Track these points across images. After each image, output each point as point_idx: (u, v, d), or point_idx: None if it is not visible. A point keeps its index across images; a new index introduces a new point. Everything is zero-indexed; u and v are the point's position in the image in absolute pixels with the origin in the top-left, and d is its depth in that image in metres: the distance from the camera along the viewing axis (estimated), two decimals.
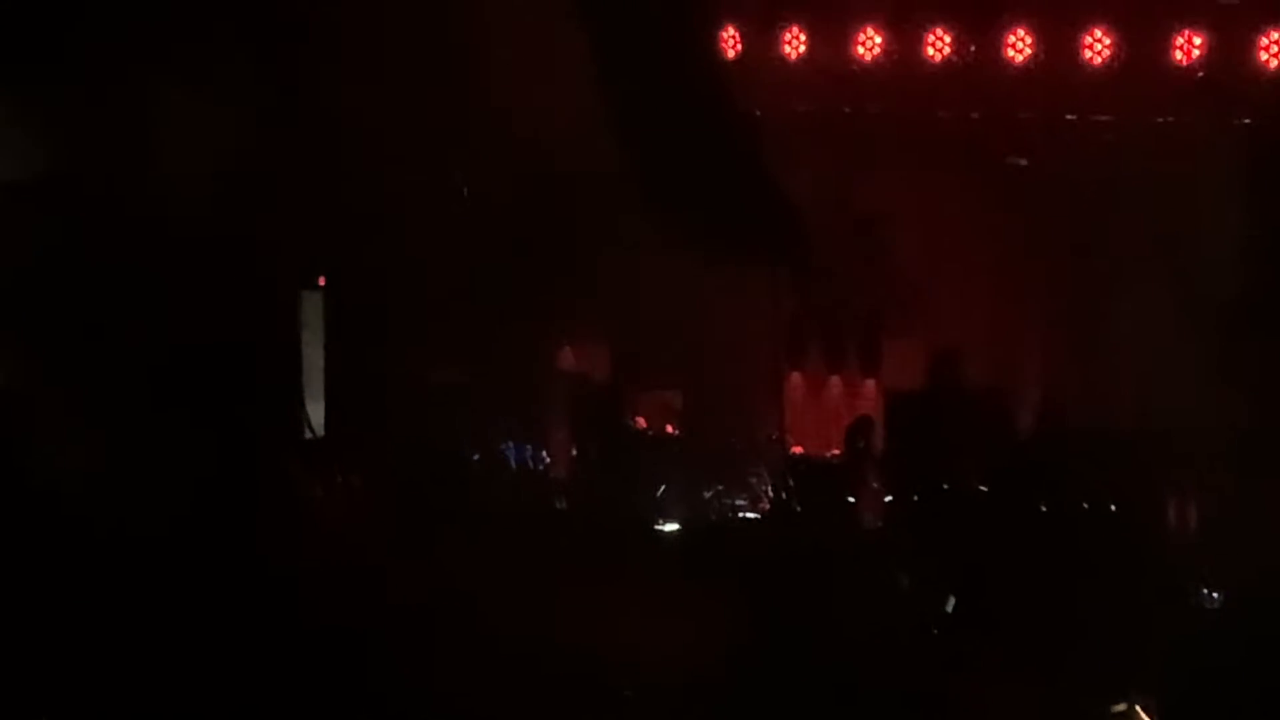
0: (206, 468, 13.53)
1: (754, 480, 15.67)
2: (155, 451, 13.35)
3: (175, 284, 13.71)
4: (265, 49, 14.12)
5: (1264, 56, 14.61)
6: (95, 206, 13.65)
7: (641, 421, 16.47)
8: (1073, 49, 15.19)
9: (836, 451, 15.70)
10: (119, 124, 13.74)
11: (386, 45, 14.53)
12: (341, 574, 12.96)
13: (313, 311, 15.87)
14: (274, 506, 13.71)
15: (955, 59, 15.56)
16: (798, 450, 16.36)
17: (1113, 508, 14.21)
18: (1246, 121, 15.00)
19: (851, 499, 14.89)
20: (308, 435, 15.74)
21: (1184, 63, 14.92)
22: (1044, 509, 14.23)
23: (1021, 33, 15.26)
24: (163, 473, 13.19)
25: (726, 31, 16.02)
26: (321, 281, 15.96)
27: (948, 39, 15.54)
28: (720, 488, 15.66)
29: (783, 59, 16.06)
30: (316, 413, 15.85)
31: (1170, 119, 15.22)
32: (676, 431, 16.45)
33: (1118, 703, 11.24)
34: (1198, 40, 14.81)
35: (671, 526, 15.23)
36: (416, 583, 13.03)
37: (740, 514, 15.48)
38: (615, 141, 14.57)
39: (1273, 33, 14.54)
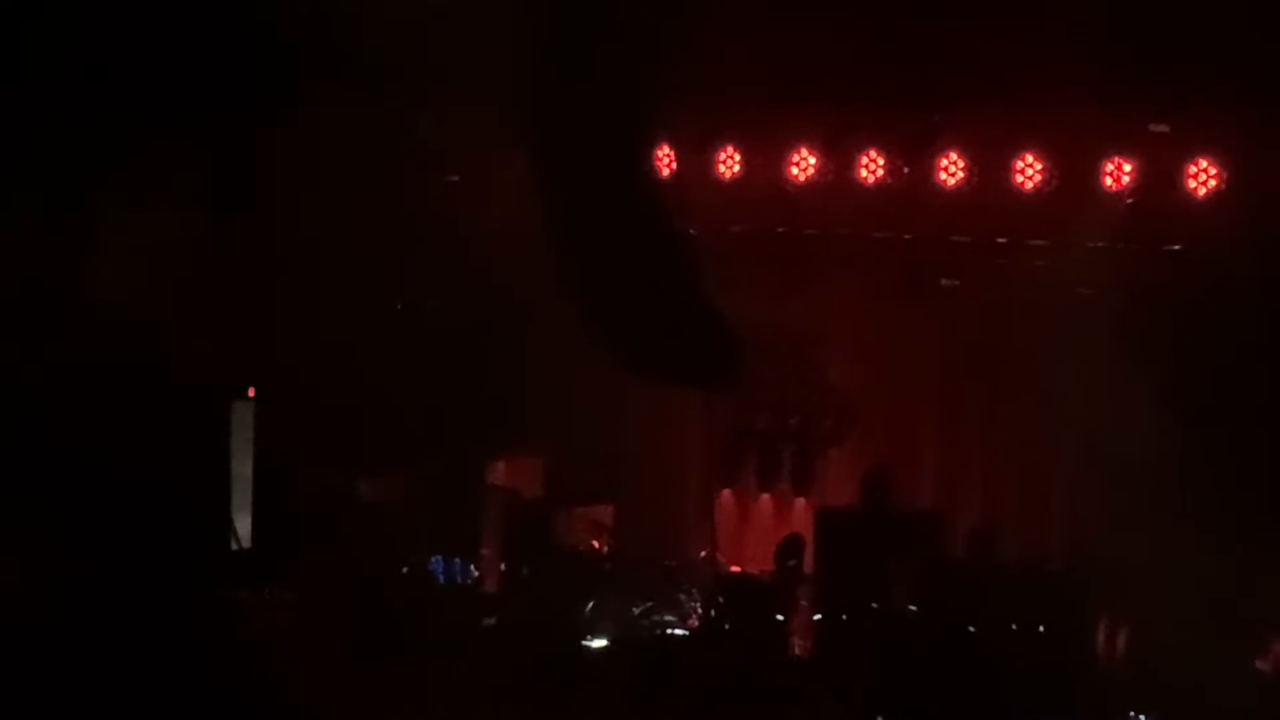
0: (133, 578, 13.42)
1: (684, 598, 15.60)
2: (81, 562, 13.23)
3: (103, 393, 13.63)
4: (199, 165, 14.14)
5: (1193, 184, 14.76)
6: (23, 316, 13.58)
7: (571, 537, 16.41)
8: (1004, 174, 15.31)
9: (767, 569, 15.68)
10: (50, 238, 13.70)
11: (321, 161, 14.56)
12: (267, 687, 12.84)
13: (242, 422, 15.79)
14: (200, 619, 13.59)
15: (889, 181, 15.66)
16: (728, 568, 16.32)
17: (1041, 629, 14.23)
18: (1176, 248, 15.16)
19: (781, 617, 14.87)
20: (234, 547, 15.62)
21: (1114, 189, 15.05)
22: (973, 630, 14.24)
23: (954, 157, 15.37)
24: (88, 584, 13.07)
25: (661, 150, 16.11)
26: (251, 393, 15.90)
27: (881, 162, 15.65)
28: (650, 604, 15.57)
29: (717, 179, 16.15)
30: (244, 525, 15.74)
31: (1101, 244, 15.35)
32: (606, 548, 16.39)
33: None
34: (1128, 167, 14.95)
35: (600, 643, 15.15)
36: (342, 697, 12.93)
37: (670, 631, 15.40)
38: (549, 258, 14.60)
39: (1201, 161, 14.70)
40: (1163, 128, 14.93)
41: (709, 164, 16.17)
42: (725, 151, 16.11)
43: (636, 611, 15.56)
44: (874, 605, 14.58)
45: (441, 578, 16.04)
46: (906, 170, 15.63)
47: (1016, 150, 15.26)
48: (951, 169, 15.45)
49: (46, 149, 13.46)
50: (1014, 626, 14.27)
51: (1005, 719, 12.94)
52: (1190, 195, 14.81)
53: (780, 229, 16.41)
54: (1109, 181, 15.06)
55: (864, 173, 15.72)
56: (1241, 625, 13.51)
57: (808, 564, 15.43)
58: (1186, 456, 13.76)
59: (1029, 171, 15.22)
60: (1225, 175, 14.67)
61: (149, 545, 13.81)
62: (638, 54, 14.38)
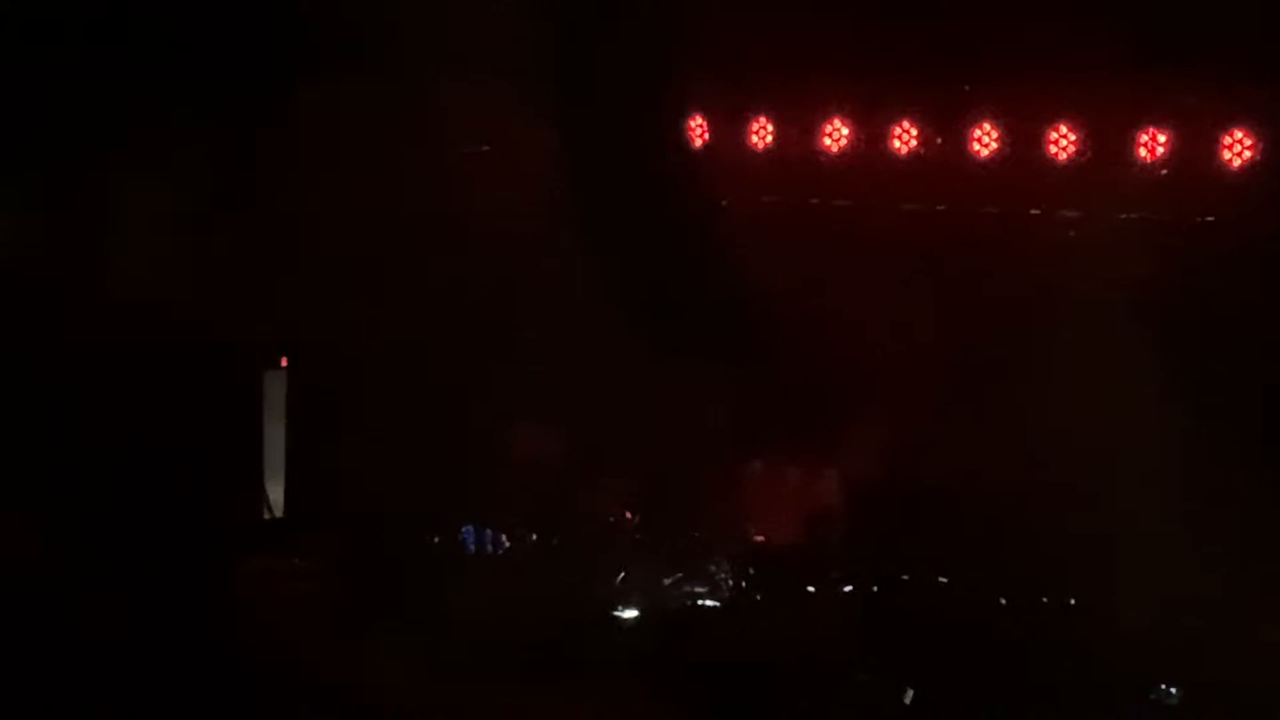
0: (167, 548, 13.52)
1: (714, 569, 15.61)
2: (116, 532, 13.33)
3: (137, 365, 13.71)
4: (225, 136, 14.19)
5: (1227, 155, 14.68)
6: (55, 291, 13.66)
7: (603, 508, 16.42)
8: (1038, 145, 15.24)
9: (797, 540, 15.66)
10: (77, 211, 13.78)
11: (347, 130, 14.58)
12: (298, 656, 12.91)
13: (275, 392, 15.85)
14: (232, 587, 13.67)
15: (921, 152, 15.61)
16: (758, 539, 16.31)
17: (1072, 602, 14.21)
18: (1210, 219, 15.08)
19: (811, 589, 14.87)
20: (267, 516, 15.69)
21: (1148, 160, 14.97)
22: (1004, 602, 14.23)
23: (987, 127, 15.32)
24: (123, 553, 13.17)
25: (694, 121, 16.05)
26: (284, 362, 15.95)
27: (914, 133, 15.59)
28: (680, 576, 15.60)
29: (750, 150, 16.10)
30: (276, 493, 15.81)
31: (1134, 215, 15.28)
32: (637, 518, 16.40)
33: None
34: (1162, 138, 14.87)
35: (631, 614, 15.18)
36: (373, 666, 12.98)
37: (700, 602, 15.42)
38: (581, 230, 14.62)
39: (1236, 132, 14.62)
40: (1198, 98, 14.85)
41: (741, 135, 16.10)
42: (758, 122, 16.05)
43: (667, 582, 15.59)
44: (904, 577, 14.59)
45: (472, 547, 16.07)
46: (939, 141, 15.58)
47: (1049, 121, 15.19)
48: (984, 139, 15.38)
49: (71, 125, 13.53)
50: (1045, 599, 14.27)
51: (1036, 691, 12.92)
52: (1225, 166, 14.74)
53: (813, 200, 16.37)
54: (1143, 152, 14.99)
55: (896, 144, 15.66)
56: (1265, 599, 13.50)
57: (838, 535, 15.41)
58: (1219, 429, 13.73)
59: (1062, 142, 15.15)
60: (1260, 146, 14.60)
61: (182, 514, 13.91)
62: (670, 24, 14.36)
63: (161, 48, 13.65)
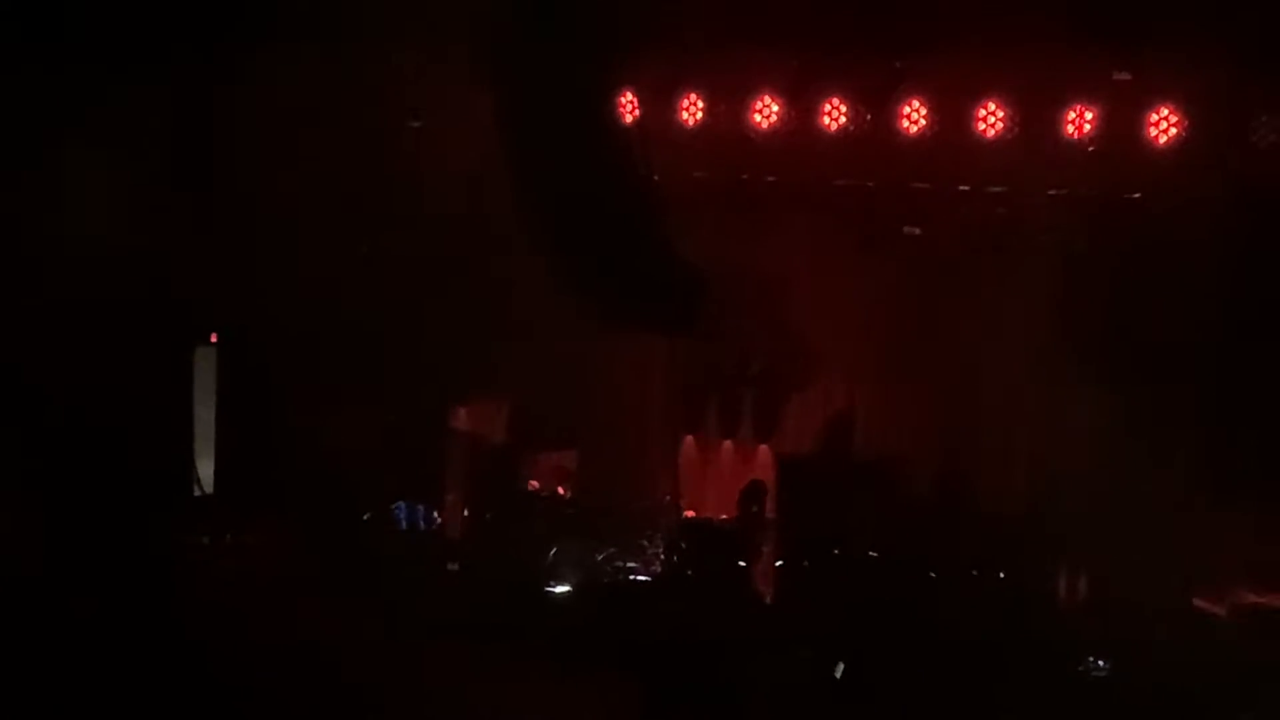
0: (95, 524, 13.43)
1: (646, 544, 15.66)
2: (42, 508, 13.23)
3: (67, 339, 13.61)
4: (162, 107, 14.09)
5: (1153, 132, 14.81)
6: None
7: (535, 483, 16.44)
8: (966, 121, 15.33)
9: (729, 516, 15.72)
10: (11, 179, 13.66)
11: (287, 104, 14.52)
12: (228, 632, 12.87)
13: (205, 368, 15.78)
14: (162, 565, 13.61)
15: (851, 129, 15.68)
16: (691, 514, 16.38)
17: (1001, 575, 14.33)
18: (1136, 195, 15.21)
19: (743, 564, 14.92)
20: (197, 493, 15.63)
21: (1076, 136, 15.09)
22: (933, 575, 14.33)
23: (916, 104, 15.41)
24: (51, 531, 13.08)
25: (624, 97, 16.07)
26: (214, 338, 15.88)
27: (844, 109, 15.66)
28: (613, 550, 15.64)
29: (680, 126, 16.14)
30: (206, 470, 15.74)
31: (1062, 191, 15.40)
32: (570, 493, 16.43)
33: None
34: (1089, 115, 14.99)
35: (563, 588, 15.21)
36: (304, 643, 12.96)
37: (632, 577, 15.46)
38: (513, 204, 14.60)
39: (1162, 109, 14.76)
40: (1124, 75, 14.97)
41: (672, 111, 16.15)
42: (688, 98, 16.10)
43: (599, 557, 15.63)
44: (835, 551, 14.66)
45: (404, 523, 16.07)
46: (869, 118, 15.65)
47: (978, 98, 15.28)
48: (914, 116, 15.46)
49: (10, 88, 13.40)
50: (975, 572, 14.37)
51: (966, 664, 13.01)
52: (1151, 143, 14.87)
53: (743, 175, 16.41)
54: (1071, 129, 15.10)
55: (826, 120, 15.73)
56: (1197, 571, 13.66)
57: (770, 510, 15.47)
58: (1145, 405, 13.87)
59: (990, 119, 15.25)
60: (1186, 123, 14.73)
61: (111, 491, 13.82)
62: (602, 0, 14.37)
63: (107, 14, 13.53)
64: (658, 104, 16.14)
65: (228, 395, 15.87)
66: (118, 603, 12.78)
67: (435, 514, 16.07)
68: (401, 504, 15.99)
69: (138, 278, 14.07)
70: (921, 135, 15.48)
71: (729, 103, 15.99)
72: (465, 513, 16.06)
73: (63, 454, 13.89)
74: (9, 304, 13.51)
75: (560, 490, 16.42)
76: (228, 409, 15.87)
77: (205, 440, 15.84)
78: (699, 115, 16.10)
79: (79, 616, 12.43)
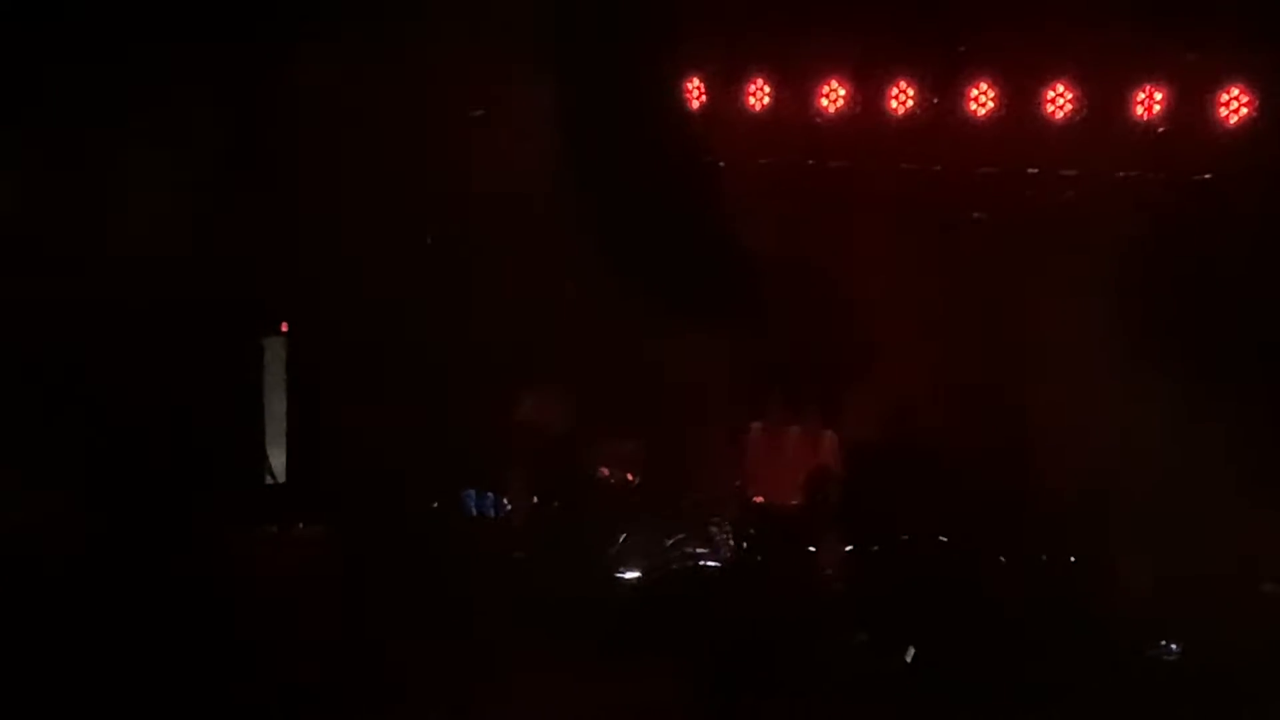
0: (169, 515, 13.53)
1: (714, 530, 15.63)
2: (117, 498, 13.34)
3: (138, 330, 13.70)
4: (226, 102, 14.17)
5: (1224, 113, 14.70)
6: (55, 258, 13.65)
7: (603, 470, 16.45)
8: (1035, 104, 15.25)
9: (797, 501, 15.69)
10: (79, 178, 13.75)
11: (347, 95, 14.58)
12: (299, 621, 12.96)
13: (275, 357, 15.85)
14: (235, 553, 13.70)
15: (918, 112, 15.62)
16: (758, 500, 16.32)
17: (1072, 559, 14.25)
18: (1207, 177, 15.10)
19: (812, 549, 14.89)
20: (269, 482, 15.70)
21: (1145, 118, 14.99)
22: (1003, 560, 14.27)
23: (984, 86, 15.32)
24: (124, 521, 13.19)
25: (690, 83, 16.05)
26: (284, 327, 15.95)
27: (911, 92, 15.59)
28: (681, 537, 15.62)
29: (747, 111, 16.10)
30: (278, 459, 15.81)
31: (1132, 174, 15.30)
32: (637, 480, 16.43)
33: None
34: (1159, 96, 14.89)
35: (632, 575, 15.22)
36: (374, 631, 13.03)
37: (701, 563, 15.44)
38: (579, 192, 14.61)
39: (1233, 89, 14.63)
40: (1194, 55, 14.85)
41: (738, 96, 16.10)
42: (755, 83, 16.04)
43: (667, 544, 15.62)
44: (904, 537, 14.62)
45: (473, 511, 16.10)
46: (936, 101, 15.58)
47: (1047, 79, 15.19)
48: (981, 99, 15.39)
49: (69, 86, 13.50)
50: (1044, 556, 14.31)
51: (1035, 648, 12.96)
52: (1222, 124, 14.75)
53: (810, 161, 16.37)
54: (1140, 110, 15.00)
55: (894, 104, 15.67)
56: (1266, 554, 13.56)
57: (838, 495, 15.43)
58: (1213, 390, 13.75)
59: (1059, 101, 15.16)
60: (1257, 103, 14.61)
61: (184, 481, 13.92)
62: None
63: (161, 9, 13.60)
64: (724, 89, 16.11)
65: (298, 384, 15.94)
66: (189, 592, 12.87)
67: (504, 501, 16.09)
68: (470, 492, 16.02)
69: (208, 270, 14.15)
70: (989, 118, 15.41)
71: (795, 87, 15.94)
72: (534, 500, 16.07)
73: (136, 445, 13.99)
74: (84, 300, 13.62)
75: (629, 477, 16.42)
76: (298, 398, 15.94)
77: (276, 429, 15.91)
78: (765, 100, 16.04)
79: (154, 605, 12.54)
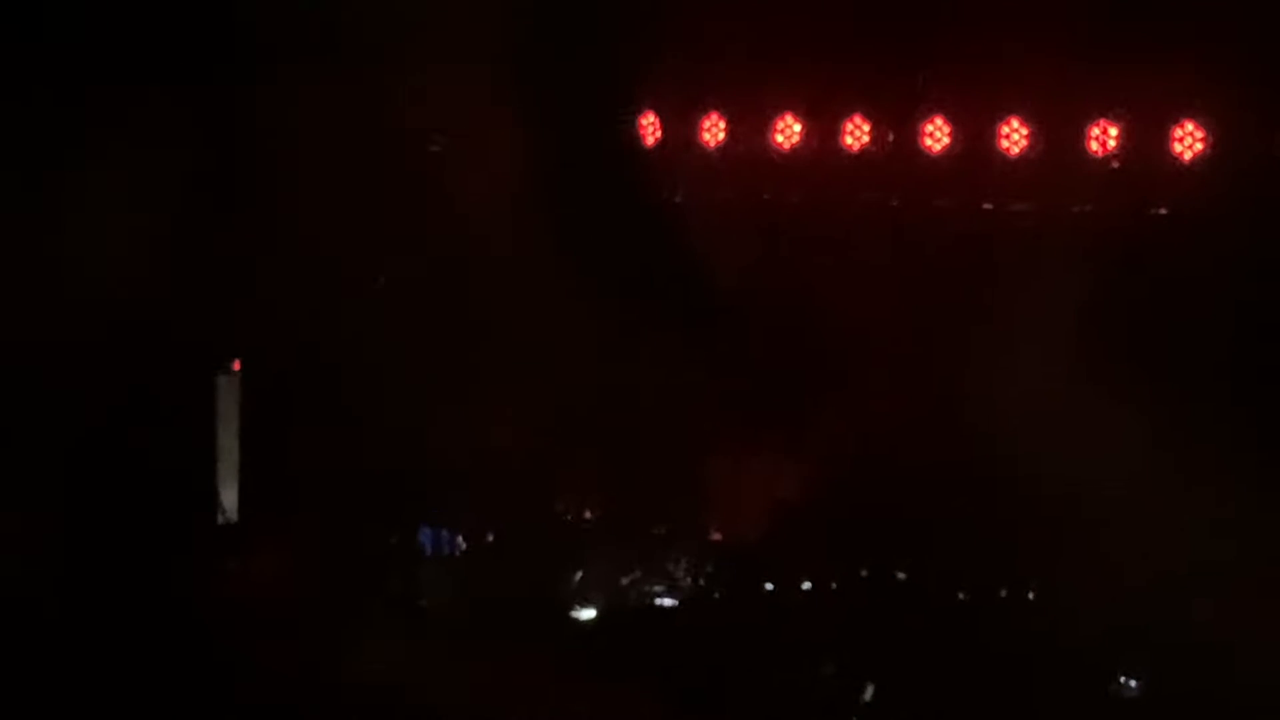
0: (118, 552, 13.41)
1: (672, 566, 15.58)
2: (65, 536, 13.22)
3: (84, 367, 13.60)
4: (179, 139, 14.09)
5: (1178, 148, 14.77)
6: (4, 290, 13.54)
7: (559, 505, 16.38)
8: (989, 139, 15.29)
9: (756, 537, 15.64)
10: (28, 215, 13.66)
11: (301, 130, 14.50)
12: (253, 658, 12.84)
13: (227, 395, 15.75)
14: (186, 592, 13.59)
15: (873, 148, 15.64)
16: (717, 536, 16.29)
17: (1030, 595, 14.24)
18: (1162, 211, 15.15)
19: (770, 586, 14.85)
20: (220, 520, 15.59)
21: (1099, 153, 15.05)
22: (962, 596, 14.24)
23: (939, 122, 15.36)
24: (72, 558, 13.07)
25: (645, 118, 16.03)
26: (236, 365, 15.85)
27: (866, 128, 15.61)
28: (638, 574, 15.57)
29: (702, 146, 16.09)
30: (230, 498, 15.71)
31: (1087, 208, 15.34)
32: (594, 516, 16.36)
33: None
34: (1113, 131, 14.95)
35: (588, 613, 15.14)
36: (329, 669, 12.92)
37: (658, 600, 15.39)
38: (534, 227, 14.56)
39: (1187, 124, 14.70)
40: (1148, 91, 14.91)
41: (693, 131, 16.08)
42: (709, 119, 16.03)
43: (625, 581, 15.56)
44: (863, 573, 14.59)
45: (429, 548, 16.00)
46: (891, 136, 15.61)
47: (1000, 115, 15.23)
48: (936, 134, 15.42)
49: (20, 120, 13.40)
50: (1003, 593, 14.29)
51: (995, 685, 12.94)
52: (1176, 159, 14.81)
53: (766, 195, 16.37)
54: (1094, 145, 15.05)
55: (849, 139, 15.68)
56: (1230, 589, 13.55)
57: (797, 532, 15.39)
58: (1176, 421, 13.77)
59: (1014, 136, 15.20)
60: (1211, 138, 14.67)
61: (134, 518, 13.80)
62: (621, 20, 14.34)
63: (118, 42, 13.53)
64: (679, 124, 16.09)
65: (251, 421, 15.83)
66: (141, 630, 12.76)
67: (459, 538, 16.01)
68: (427, 529, 15.93)
69: (159, 307, 14.05)
70: (944, 153, 15.44)
71: (750, 122, 15.95)
72: (489, 537, 15.99)
73: (85, 481, 13.87)
74: (29, 331, 13.50)
75: (585, 513, 16.35)
76: (251, 435, 15.83)
77: (229, 467, 15.80)
78: (720, 135, 16.04)
79: (102, 644, 12.42)
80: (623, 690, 13.11)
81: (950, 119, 15.40)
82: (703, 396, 16.71)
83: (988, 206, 15.84)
